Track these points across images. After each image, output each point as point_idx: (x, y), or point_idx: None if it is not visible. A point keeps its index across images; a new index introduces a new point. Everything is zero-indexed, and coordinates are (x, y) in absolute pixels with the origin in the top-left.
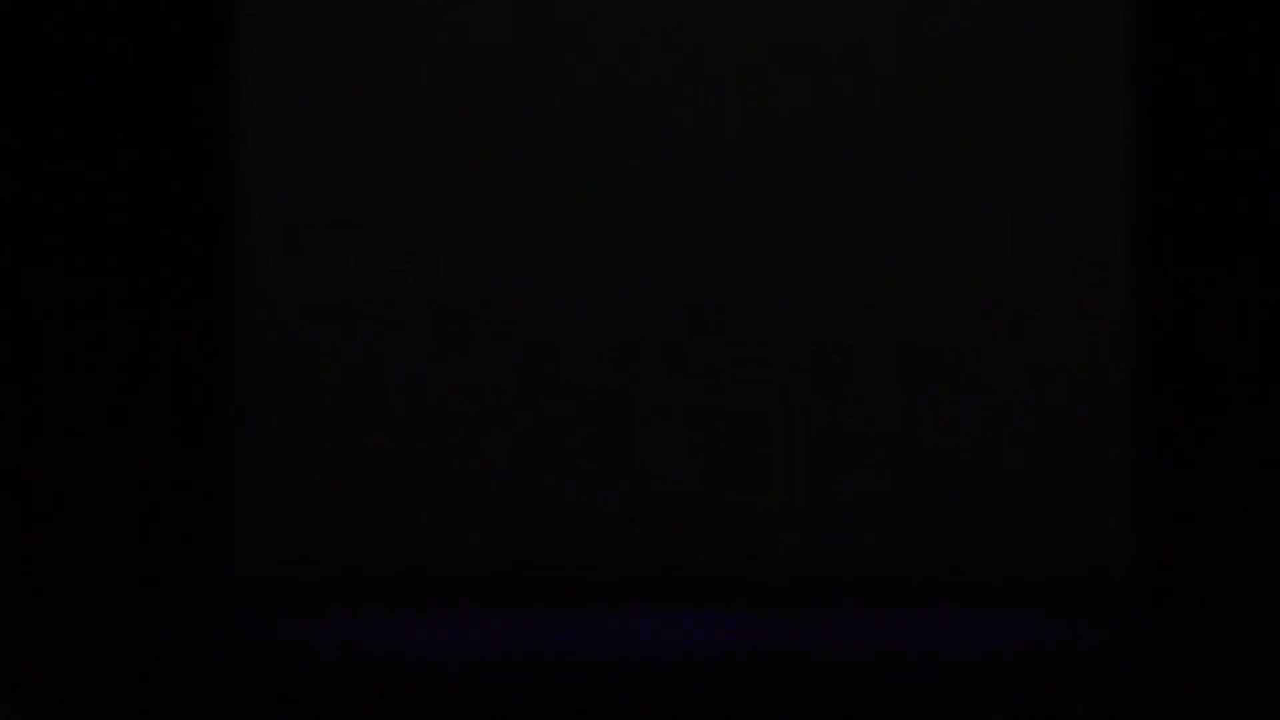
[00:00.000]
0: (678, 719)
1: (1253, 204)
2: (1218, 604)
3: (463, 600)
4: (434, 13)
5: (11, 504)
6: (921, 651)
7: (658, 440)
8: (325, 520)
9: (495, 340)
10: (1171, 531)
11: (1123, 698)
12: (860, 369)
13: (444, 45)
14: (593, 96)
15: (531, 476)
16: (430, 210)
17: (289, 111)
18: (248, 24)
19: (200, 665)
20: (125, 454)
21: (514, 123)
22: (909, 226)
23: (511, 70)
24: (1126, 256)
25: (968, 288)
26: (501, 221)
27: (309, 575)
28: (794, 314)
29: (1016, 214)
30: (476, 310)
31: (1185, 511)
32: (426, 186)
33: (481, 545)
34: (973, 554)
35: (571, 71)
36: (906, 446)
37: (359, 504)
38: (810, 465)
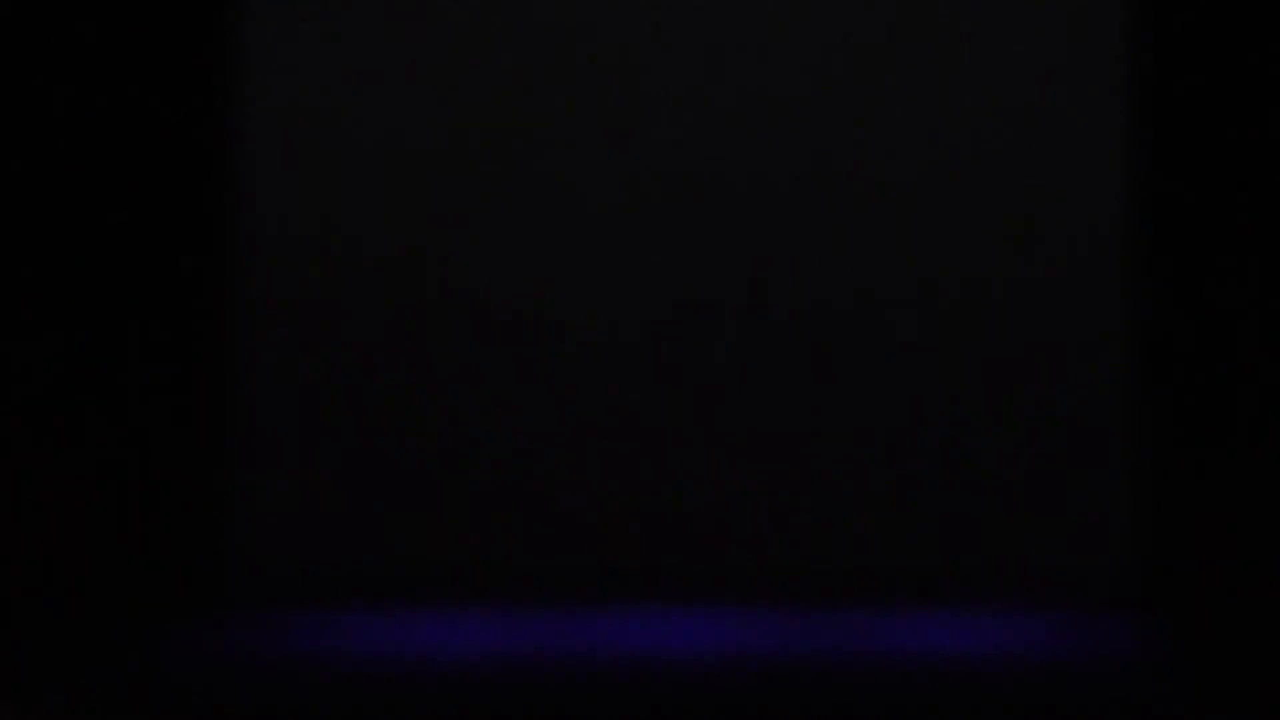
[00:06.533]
0: (678, 719)
1: (1253, 204)
2: (1218, 604)
3: (463, 600)
4: (435, 15)
5: (11, 504)
6: (921, 651)
7: (658, 440)
8: (324, 520)
9: (495, 341)
10: (1171, 531)
11: (1122, 697)
12: (860, 368)
13: (445, 47)
14: (592, 100)
15: (531, 476)
16: (429, 211)
17: (289, 112)
18: (247, 24)
19: (198, 663)
20: (125, 454)
21: (513, 125)
22: (911, 225)
23: (513, 71)
24: (1127, 256)
25: (968, 287)
26: (500, 222)
27: (308, 575)
28: (794, 313)
29: (1017, 214)
30: (475, 310)
31: (1185, 511)
32: (426, 188)
33: (481, 545)
34: (973, 554)
35: (572, 74)
36: (907, 446)
37: (359, 504)
38: (810, 465)
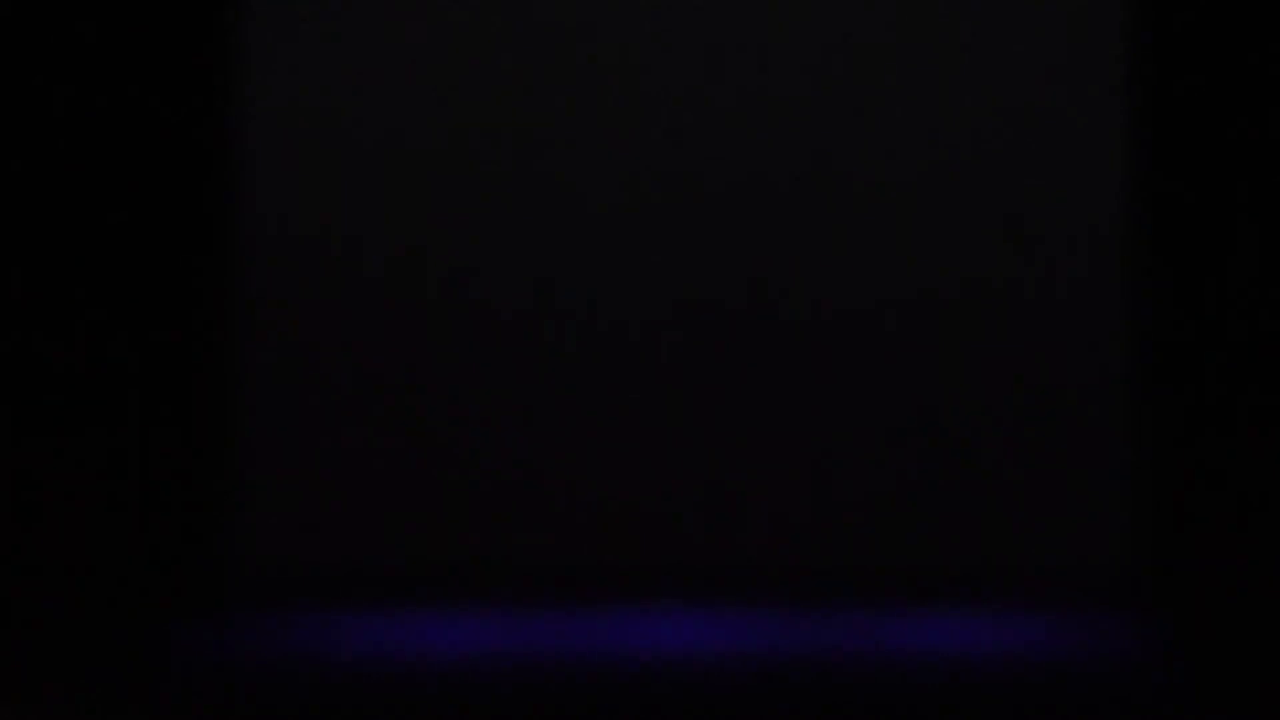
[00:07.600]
0: (678, 719)
1: (1253, 204)
2: (1218, 604)
3: (463, 600)
4: (435, 14)
5: (11, 504)
6: (921, 651)
7: (658, 440)
8: (324, 520)
9: (495, 341)
10: (1171, 531)
11: (1122, 697)
12: (860, 368)
13: (445, 47)
14: (592, 100)
15: (531, 476)
16: (429, 211)
17: (289, 112)
18: (247, 24)
19: (198, 663)
20: (125, 454)
21: (513, 125)
22: (911, 225)
23: (513, 71)
24: (1127, 256)
25: (968, 287)
26: (500, 222)
27: (308, 575)
28: (794, 313)
29: (1017, 214)
30: (475, 310)
31: (1185, 511)
32: (426, 188)
33: (481, 545)
34: (973, 554)
35: (572, 74)
36: (907, 446)
37: (359, 504)
38: (811, 465)
